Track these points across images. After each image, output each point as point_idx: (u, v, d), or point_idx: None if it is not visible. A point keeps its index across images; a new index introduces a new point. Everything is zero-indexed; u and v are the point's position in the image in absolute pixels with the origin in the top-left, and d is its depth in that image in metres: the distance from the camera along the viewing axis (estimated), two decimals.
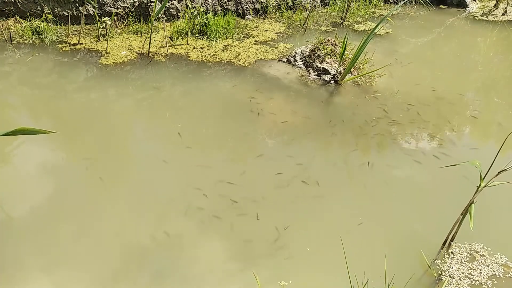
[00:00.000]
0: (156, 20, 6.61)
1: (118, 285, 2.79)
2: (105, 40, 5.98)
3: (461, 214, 3.00)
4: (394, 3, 8.75)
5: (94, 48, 5.80)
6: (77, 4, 6.26)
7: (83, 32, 6.15)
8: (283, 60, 5.94)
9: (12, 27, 5.99)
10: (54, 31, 6.03)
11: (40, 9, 6.13)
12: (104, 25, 6.03)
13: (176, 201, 3.43)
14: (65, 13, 6.23)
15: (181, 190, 3.55)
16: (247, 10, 7.40)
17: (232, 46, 6.21)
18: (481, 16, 8.71)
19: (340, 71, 5.53)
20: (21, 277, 2.79)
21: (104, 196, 3.46)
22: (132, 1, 6.49)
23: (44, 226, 3.14)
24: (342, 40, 5.47)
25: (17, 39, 5.83)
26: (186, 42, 6.19)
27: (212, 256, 3.01)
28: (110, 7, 6.38)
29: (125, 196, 3.47)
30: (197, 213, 3.33)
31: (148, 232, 3.14)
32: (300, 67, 5.78)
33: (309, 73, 5.65)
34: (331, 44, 5.91)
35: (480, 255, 3.13)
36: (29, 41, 5.82)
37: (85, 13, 6.28)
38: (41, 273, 2.82)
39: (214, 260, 2.98)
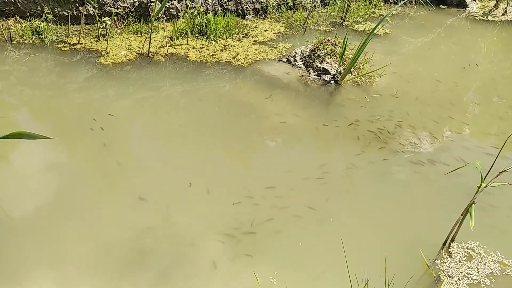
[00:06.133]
0: (156, 20, 6.61)
1: (120, 283, 2.79)
2: (105, 40, 5.98)
3: (461, 215, 3.01)
4: (394, 3, 8.75)
5: (94, 48, 5.80)
6: (77, 4, 6.26)
7: (83, 32, 6.15)
8: (283, 60, 5.94)
9: (12, 27, 5.99)
10: (54, 31, 6.03)
11: (40, 9, 6.13)
12: (104, 25, 6.02)
13: (177, 201, 3.43)
14: (65, 13, 6.23)
15: (181, 189, 3.55)
16: (247, 10, 7.40)
17: (231, 46, 6.21)
18: (481, 16, 8.72)
19: (340, 71, 5.53)
20: (24, 276, 2.79)
21: (105, 196, 3.45)
22: (132, 1, 6.49)
23: (47, 225, 3.13)
24: (342, 40, 5.47)
25: (17, 39, 5.83)
26: (186, 42, 6.19)
27: (213, 253, 3.01)
28: (110, 7, 6.37)
29: (125, 196, 3.47)
30: (198, 213, 3.33)
31: (148, 231, 3.14)
32: (300, 67, 5.78)
33: (309, 73, 5.65)
34: (331, 44, 5.91)
35: (476, 253, 3.14)
36: (29, 41, 5.81)
37: (85, 13, 6.28)
38: (44, 271, 2.82)
39: (215, 257, 2.99)
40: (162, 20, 6.61)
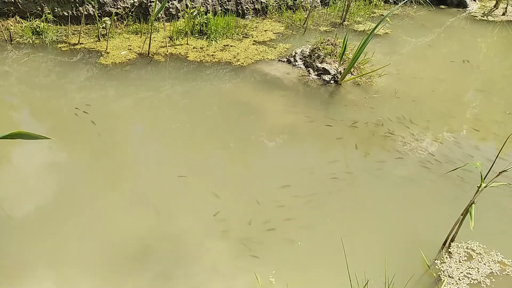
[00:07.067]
0: (156, 20, 6.61)
1: (121, 283, 2.79)
2: (105, 40, 5.98)
3: (462, 215, 3.00)
4: (394, 3, 8.75)
5: (94, 48, 5.80)
6: (77, 4, 6.26)
7: (83, 32, 6.15)
8: (283, 60, 5.94)
9: (12, 27, 5.99)
10: (54, 31, 6.03)
11: (40, 9, 6.13)
12: (104, 25, 6.02)
13: (177, 200, 3.43)
14: (65, 13, 6.23)
15: (183, 189, 3.55)
16: (247, 10, 7.40)
17: (231, 46, 6.21)
18: (481, 16, 8.72)
19: (340, 71, 5.53)
20: (24, 275, 2.78)
21: (105, 196, 3.45)
22: (132, 1, 6.49)
23: (47, 225, 3.13)
24: (342, 40, 5.46)
25: (17, 39, 5.83)
26: (186, 42, 6.19)
27: (213, 253, 3.01)
28: (110, 7, 6.37)
29: (126, 195, 3.47)
30: (199, 214, 3.33)
31: (149, 230, 3.14)
32: (300, 67, 5.77)
33: (309, 73, 5.65)
34: (331, 44, 5.91)
35: (476, 253, 3.14)
36: (29, 41, 5.81)
37: (85, 13, 6.28)
38: (44, 271, 2.82)
39: (215, 256, 2.99)
40: (162, 20, 6.61)
